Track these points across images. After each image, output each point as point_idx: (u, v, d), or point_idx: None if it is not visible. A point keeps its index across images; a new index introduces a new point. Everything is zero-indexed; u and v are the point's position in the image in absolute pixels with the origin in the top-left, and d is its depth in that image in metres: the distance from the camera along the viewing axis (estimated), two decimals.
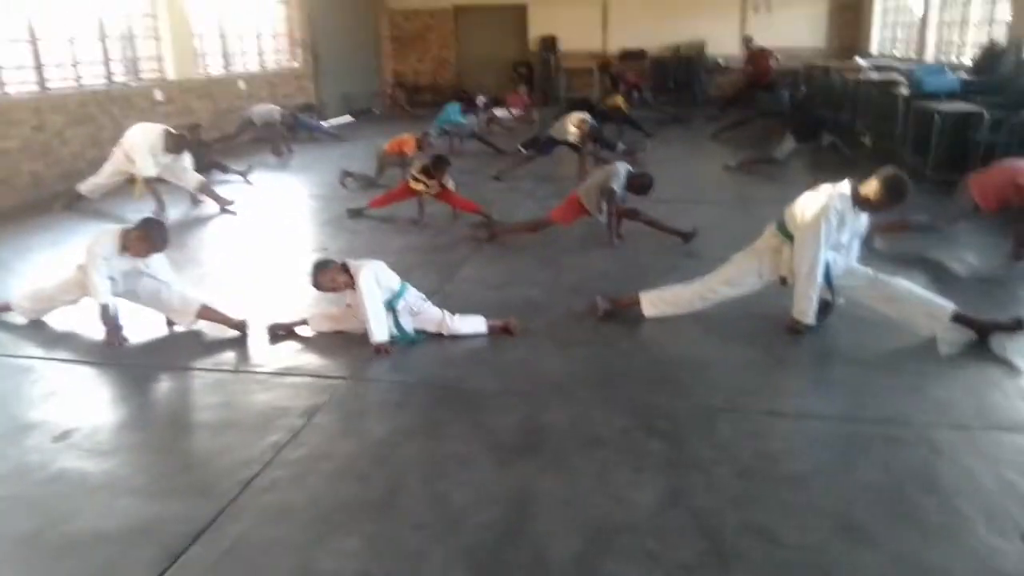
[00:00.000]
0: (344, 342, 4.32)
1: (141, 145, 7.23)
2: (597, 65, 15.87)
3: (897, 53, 13.74)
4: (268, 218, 7.41)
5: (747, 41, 14.04)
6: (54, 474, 3.10)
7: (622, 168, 6.10)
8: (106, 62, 9.35)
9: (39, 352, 4.30)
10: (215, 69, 11.63)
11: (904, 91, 9.20)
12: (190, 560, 2.57)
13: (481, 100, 12.24)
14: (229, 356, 4.24)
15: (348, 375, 3.95)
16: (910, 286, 4.28)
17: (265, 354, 4.25)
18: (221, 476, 3.06)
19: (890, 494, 2.87)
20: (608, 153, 9.59)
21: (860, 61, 12.35)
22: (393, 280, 4.23)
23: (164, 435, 3.50)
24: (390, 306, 4.20)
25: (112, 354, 4.23)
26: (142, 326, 4.51)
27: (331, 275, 4.13)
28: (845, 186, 4.21)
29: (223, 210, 7.55)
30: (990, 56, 9.10)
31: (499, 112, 13.61)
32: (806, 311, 4.28)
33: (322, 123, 12.57)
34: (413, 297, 4.30)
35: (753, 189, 8.24)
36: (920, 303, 4.23)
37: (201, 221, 7.35)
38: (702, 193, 8.19)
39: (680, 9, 16.33)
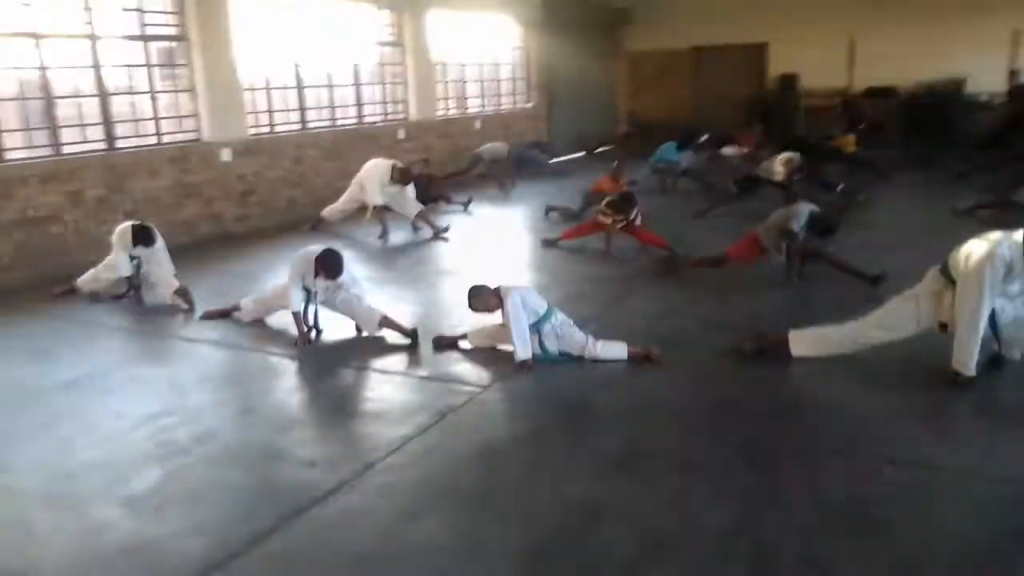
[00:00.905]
0: (495, 357, 4.72)
1: (372, 177, 8.25)
2: (841, 102, 15.20)
3: None
4: (474, 245, 8.09)
5: (1012, 76, 12.76)
6: (233, 440, 3.79)
7: (805, 208, 6.01)
8: (358, 104, 10.67)
9: (252, 344, 5.16)
10: (456, 110, 12.76)
11: None
12: (310, 517, 3.08)
13: (702, 138, 12.26)
14: (395, 360, 4.83)
15: (487, 385, 4.35)
16: None
17: (427, 361, 4.78)
18: (354, 455, 3.57)
19: (976, 547, 2.71)
20: (826, 193, 9.29)
21: None
22: (540, 304, 4.58)
23: (324, 418, 4.13)
24: (536, 328, 4.54)
25: (302, 350, 4.98)
26: (336, 330, 5.24)
27: (484, 299, 4.58)
28: (1020, 235, 3.93)
29: (436, 236, 8.35)
30: None
31: (728, 150, 13.54)
32: (966, 362, 4.03)
33: (548, 160, 13.25)
34: (559, 321, 4.61)
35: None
36: None
37: (416, 245, 8.19)
38: (918, 239, 7.65)
39: (936, 42, 15.15)
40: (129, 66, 7.84)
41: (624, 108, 18.08)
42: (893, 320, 4.26)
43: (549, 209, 9.01)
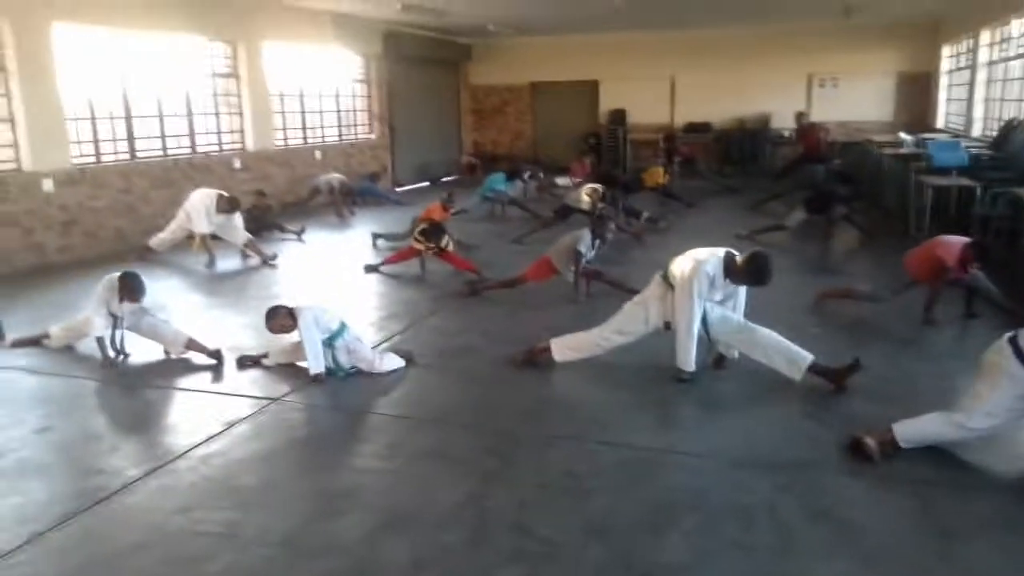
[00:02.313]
0: (294, 372, 5.14)
1: (198, 206, 8.48)
2: (662, 137, 16.51)
3: (955, 127, 13.74)
4: (301, 272, 8.45)
5: (799, 117, 14.38)
6: (26, 455, 4.04)
7: (587, 234, 6.74)
8: (191, 134, 10.83)
9: (59, 370, 5.36)
10: (294, 140, 13.06)
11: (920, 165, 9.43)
12: (92, 513, 3.41)
13: (527, 171, 13.10)
14: (199, 379, 5.16)
15: (279, 397, 4.77)
16: (775, 336, 4.73)
17: (229, 378, 5.14)
18: (142, 462, 3.91)
19: (656, 507, 3.38)
20: (633, 220, 10.26)
21: (903, 136, 12.48)
22: (332, 321, 5.05)
23: (120, 432, 4.44)
24: (328, 343, 5.00)
25: (108, 373, 5.24)
26: (144, 353, 5.51)
27: (279, 322, 5.01)
28: (720, 253, 4.74)
29: (265, 264, 8.66)
30: (1006, 132, 9.21)
31: (561, 180, 14.53)
32: (686, 360, 4.79)
33: (382, 190, 13.69)
34: (351, 338, 5.09)
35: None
36: (783, 350, 4.68)
37: (243, 272, 8.46)
38: None
39: (746, 84, 16.82)
40: None
41: (468, 140, 18.84)
42: (626, 324, 4.98)
43: (376, 236, 9.50)
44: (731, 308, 4.93)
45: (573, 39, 17.30)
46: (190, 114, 10.83)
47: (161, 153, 10.34)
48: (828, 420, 4.26)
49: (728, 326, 4.86)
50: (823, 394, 4.61)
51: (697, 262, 4.69)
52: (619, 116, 17.77)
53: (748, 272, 4.62)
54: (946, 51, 14.91)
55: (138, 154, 9.97)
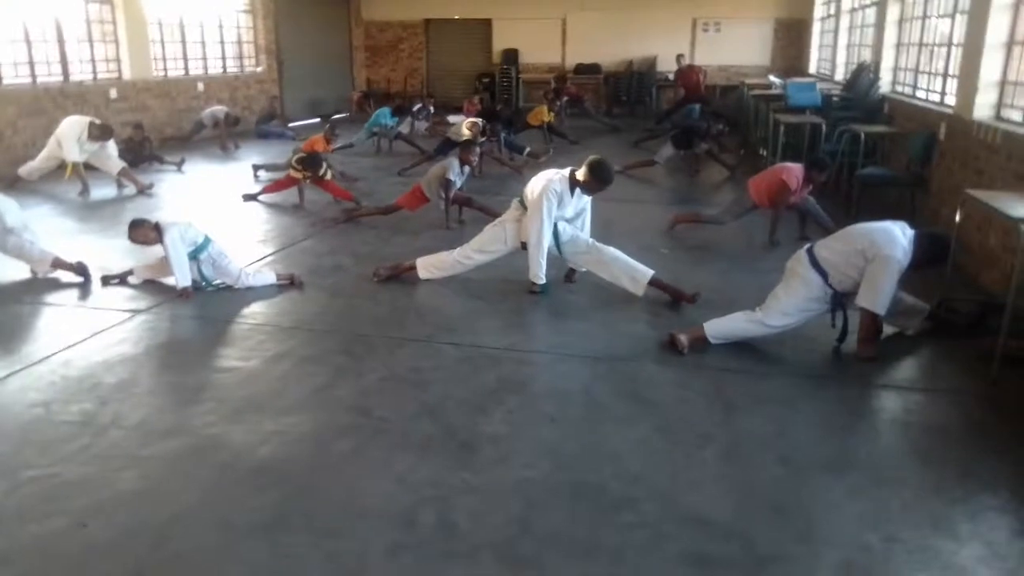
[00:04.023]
0: (161, 289, 5.30)
1: (69, 134, 8.33)
2: (553, 78, 16.83)
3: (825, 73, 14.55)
4: (179, 201, 8.45)
5: (679, 59, 14.93)
6: None
7: (455, 162, 7.03)
8: (63, 61, 10.48)
9: None
10: (175, 71, 12.75)
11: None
12: None
13: (416, 106, 13.21)
14: (66, 295, 5.26)
15: (145, 309, 4.94)
16: (619, 254, 5.18)
17: (96, 294, 5.26)
18: (4, 364, 4.05)
19: (481, 393, 3.78)
20: (516, 156, 10.61)
21: (772, 79, 13.18)
22: (198, 236, 5.21)
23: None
24: (194, 256, 5.17)
25: None
26: (10, 271, 5.55)
27: (143, 232, 5.14)
28: (565, 171, 5.13)
29: (142, 192, 8.61)
30: (856, 75, 9.92)
31: (453, 118, 14.67)
32: (537, 273, 5.20)
33: (277, 128, 13.56)
34: (216, 251, 5.27)
35: (632, 187, 9.14)
36: (626, 268, 5.14)
37: (118, 201, 8.40)
38: None
39: (634, 27, 17.26)
40: None
41: (360, 76, 18.69)
42: (487, 244, 5.34)
43: (256, 168, 9.53)
44: (580, 227, 5.34)
45: None
46: (61, 40, 10.45)
47: (30, 80, 9.98)
48: (657, 324, 4.73)
49: (577, 246, 5.28)
50: (661, 304, 5.09)
51: (547, 181, 5.06)
52: (512, 56, 17.95)
53: (590, 178, 5.00)
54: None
55: (4, 81, 9.61)
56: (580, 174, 5.04)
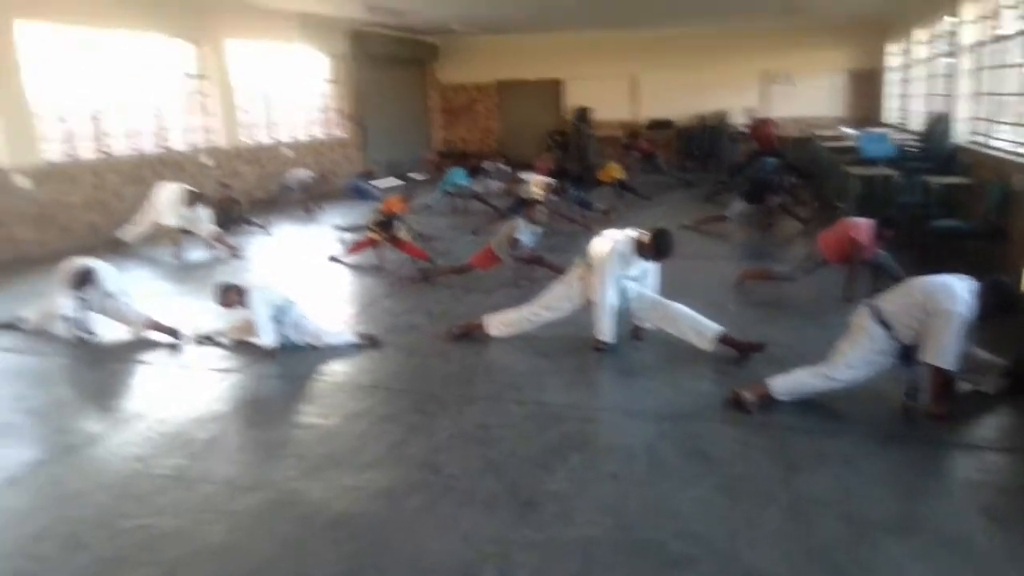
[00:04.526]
0: (248, 349, 5.62)
1: (164, 200, 8.94)
2: (625, 134, 17.08)
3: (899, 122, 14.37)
4: (267, 262, 8.91)
5: (749, 112, 14.98)
6: None
7: (521, 222, 7.25)
8: (161, 132, 11.26)
9: (31, 348, 5.82)
10: (264, 138, 13.50)
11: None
12: (61, 463, 3.89)
13: (489, 166, 13.60)
14: (157, 354, 5.63)
15: (233, 369, 5.25)
16: (686, 310, 5.27)
17: (186, 354, 5.62)
18: (105, 420, 4.39)
19: (545, 451, 3.91)
20: (586, 212, 10.81)
21: (846, 130, 13.09)
22: (279, 298, 5.53)
23: (87, 399, 4.90)
24: (277, 319, 5.49)
25: (75, 351, 5.71)
26: (108, 332, 5.98)
27: (229, 295, 5.49)
28: (631, 233, 5.27)
29: (232, 254, 9.12)
30: (932, 125, 9.81)
31: (526, 176, 14.99)
32: (603, 331, 5.32)
33: (369, 188, 14.09)
34: (296, 314, 5.58)
35: (703, 243, 9.23)
36: (693, 324, 5.21)
37: (210, 263, 8.91)
38: None
39: (705, 82, 17.44)
40: None
41: (438, 137, 19.34)
42: (553, 302, 5.51)
43: (340, 229, 9.97)
44: (646, 285, 5.46)
45: (538, 38, 17.84)
46: (160, 112, 11.25)
47: (132, 150, 10.76)
48: (724, 382, 4.76)
49: (644, 302, 5.39)
50: (728, 361, 5.14)
51: (614, 242, 5.21)
52: (584, 113, 18.28)
53: (653, 247, 5.14)
54: (891, 48, 15.54)
55: (110, 151, 10.38)
56: (645, 240, 5.18)
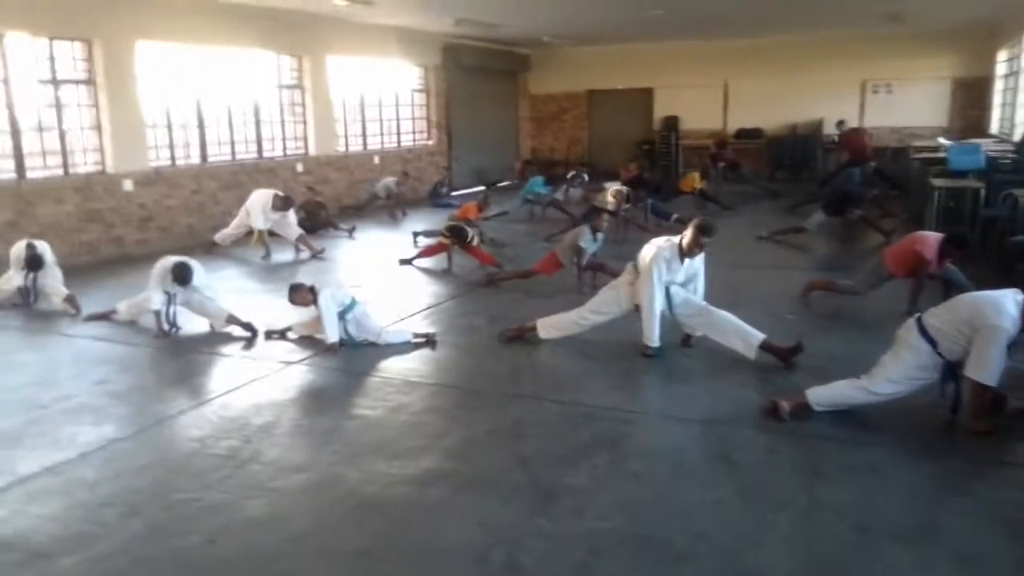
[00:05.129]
0: (314, 343, 5.96)
1: (256, 205, 9.50)
2: (713, 143, 16.89)
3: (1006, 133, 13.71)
4: (347, 264, 9.34)
5: (839, 124, 14.59)
6: (80, 403, 4.96)
7: (585, 230, 7.37)
8: (258, 140, 11.93)
9: (122, 338, 6.33)
10: (354, 146, 14.07)
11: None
12: (137, 434, 4.28)
13: (571, 174, 13.74)
14: (235, 347, 6.04)
15: (297, 361, 5.59)
16: (731, 317, 5.29)
17: (260, 347, 6.01)
18: (176, 404, 4.78)
19: (574, 449, 4.03)
20: (663, 222, 10.80)
21: (942, 140, 12.59)
22: (346, 298, 5.85)
23: (163, 385, 5.32)
24: (342, 316, 5.80)
25: (161, 342, 6.18)
26: (192, 325, 6.44)
27: (302, 294, 5.83)
28: (675, 239, 5.34)
29: (315, 256, 9.59)
30: None
31: (610, 184, 15.07)
32: (650, 336, 5.39)
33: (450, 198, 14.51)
34: (360, 312, 5.88)
35: (779, 253, 9.11)
36: (738, 331, 5.23)
37: (295, 264, 9.39)
38: (737, 257, 8.94)
39: (799, 90, 17.03)
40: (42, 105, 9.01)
41: (526, 146, 19.61)
42: (602, 306, 5.61)
43: (416, 234, 10.32)
44: (693, 290, 5.50)
45: (628, 48, 17.86)
46: (258, 122, 11.92)
47: (230, 158, 11.44)
48: (764, 390, 4.77)
49: (690, 308, 5.44)
50: (773, 370, 5.13)
51: (658, 248, 5.29)
52: (672, 123, 18.21)
53: (692, 237, 5.18)
54: (1001, 56, 14.84)
55: (209, 158, 11.09)
56: (684, 240, 5.23)
